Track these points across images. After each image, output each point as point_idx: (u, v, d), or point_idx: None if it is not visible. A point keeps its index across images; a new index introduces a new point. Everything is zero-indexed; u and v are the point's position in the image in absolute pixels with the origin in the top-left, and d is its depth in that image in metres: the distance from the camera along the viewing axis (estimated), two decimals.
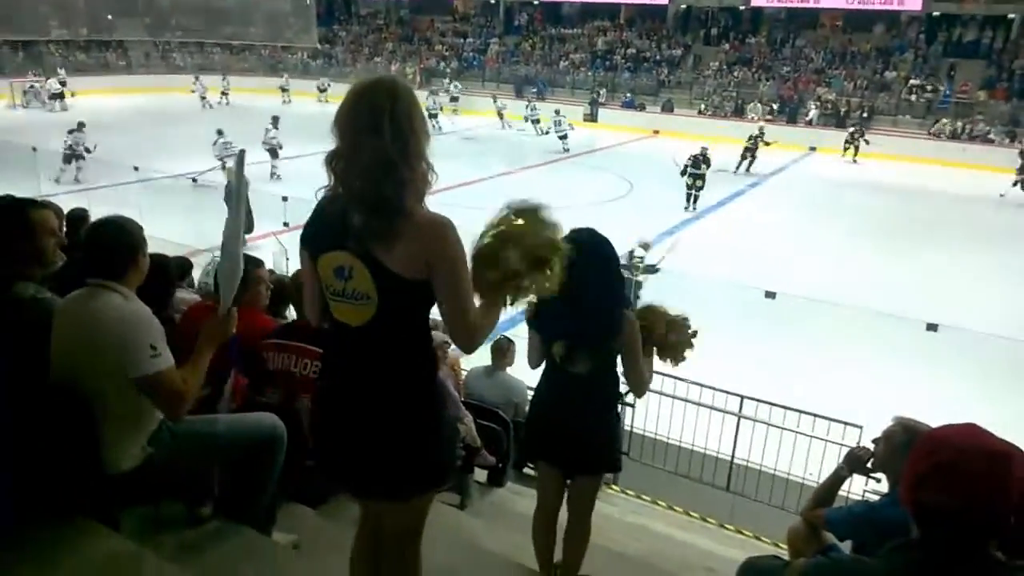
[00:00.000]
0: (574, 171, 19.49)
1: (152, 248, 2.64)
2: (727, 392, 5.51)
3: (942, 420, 1.46)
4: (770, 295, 7.17)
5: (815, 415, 5.13)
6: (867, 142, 21.97)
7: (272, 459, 2.61)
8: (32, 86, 27.19)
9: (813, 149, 23.83)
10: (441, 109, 25.73)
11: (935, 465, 1.29)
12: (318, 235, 1.76)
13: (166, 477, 2.45)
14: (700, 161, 15.18)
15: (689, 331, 2.85)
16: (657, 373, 5.67)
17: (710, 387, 5.54)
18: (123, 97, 29.04)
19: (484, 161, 18.92)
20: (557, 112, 22.41)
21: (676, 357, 2.84)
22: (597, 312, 2.54)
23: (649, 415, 5.72)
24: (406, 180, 1.64)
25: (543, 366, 2.73)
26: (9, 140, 15.92)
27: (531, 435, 2.96)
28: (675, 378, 5.60)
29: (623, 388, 2.77)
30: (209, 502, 2.73)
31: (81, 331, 2.24)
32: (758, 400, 5.46)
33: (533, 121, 24.12)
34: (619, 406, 2.86)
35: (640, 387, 2.75)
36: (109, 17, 34.80)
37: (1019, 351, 7.68)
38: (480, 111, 28.00)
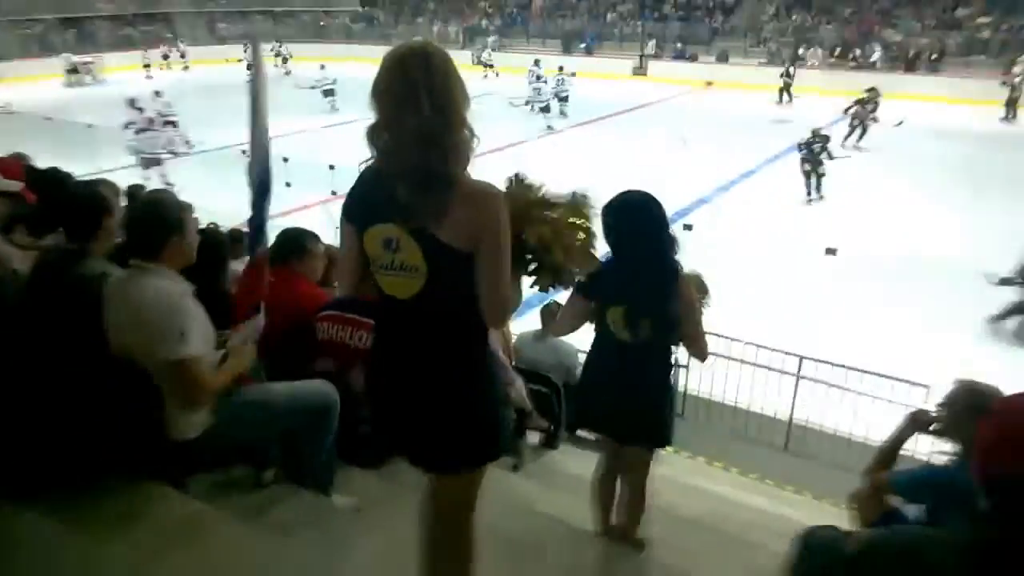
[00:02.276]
0: (624, 128, 19.09)
1: (207, 220, 2.67)
2: (785, 352, 5.40)
3: (1018, 384, 1.38)
4: (830, 251, 6.94)
5: (878, 374, 4.98)
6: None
7: (327, 424, 2.68)
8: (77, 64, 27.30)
9: None
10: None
11: (1002, 435, 1.23)
12: (364, 208, 1.74)
13: (229, 444, 2.54)
14: (811, 144, 12.35)
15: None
16: (714, 335, 5.61)
17: (767, 347, 5.44)
18: (169, 71, 29.36)
19: (529, 122, 18.68)
20: (561, 69, 19.58)
21: None
22: (655, 276, 2.50)
23: (704, 376, 5.67)
24: (449, 151, 1.61)
25: (594, 334, 2.70)
26: (64, 118, 16.27)
27: (582, 403, 2.94)
28: (731, 339, 5.54)
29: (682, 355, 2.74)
30: (272, 467, 2.82)
31: (125, 313, 2.30)
32: (818, 360, 5.34)
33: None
34: (672, 376, 2.82)
35: (702, 352, 2.71)
36: None
37: None
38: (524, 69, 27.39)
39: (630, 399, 2.62)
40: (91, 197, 2.72)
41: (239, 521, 2.49)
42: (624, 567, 2.84)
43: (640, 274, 2.49)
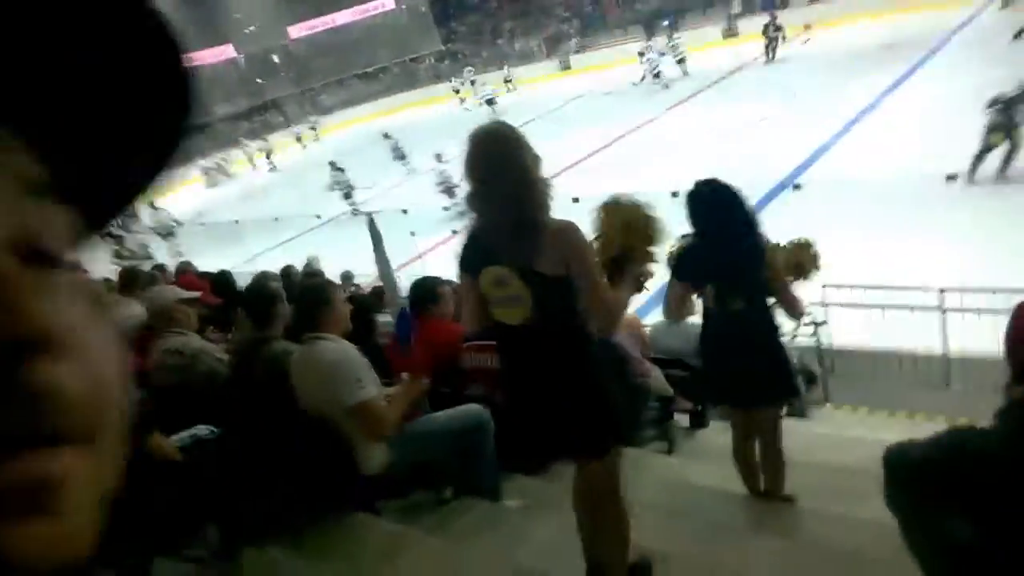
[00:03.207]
0: (729, 95, 18.27)
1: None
2: (922, 288, 5.27)
3: None
4: (951, 178, 6.50)
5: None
6: (783, 37, 20.59)
7: (484, 440, 3.08)
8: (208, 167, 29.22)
9: None
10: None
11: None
12: (475, 258, 2.17)
13: (408, 471, 3.01)
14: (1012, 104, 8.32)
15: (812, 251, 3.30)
16: (847, 287, 5.51)
17: (904, 288, 5.32)
18: (286, 152, 30.68)
19: (631, 110, 18.65)
20: (671, 38, 21.65)
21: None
22: (736, 255, 2.71)
23: (851, 329, 5.62)
24: (531, 204, 2.03)
25: (700, 312, 2.92)
26: (212, 220, 17.98)
27: (705, 379, 3.18)
28: (866, 287, 5.46)
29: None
30: (449, 486, 3.24)
31: (307, 376, 2.82)
32: (960, 289, 5.17)
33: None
34: (780, 333, 2.96)
35: (793, 309, 2.87)
36: (259, 81, 38.16)
37: None
38: (614, 62, 26.98)
39: (741, 365, 2.82)
40: (263, 293, 3.32)
41: (428, 534, 2.92)
42: (771, 519, 3.00)
43: (722, 254, 2.72)
